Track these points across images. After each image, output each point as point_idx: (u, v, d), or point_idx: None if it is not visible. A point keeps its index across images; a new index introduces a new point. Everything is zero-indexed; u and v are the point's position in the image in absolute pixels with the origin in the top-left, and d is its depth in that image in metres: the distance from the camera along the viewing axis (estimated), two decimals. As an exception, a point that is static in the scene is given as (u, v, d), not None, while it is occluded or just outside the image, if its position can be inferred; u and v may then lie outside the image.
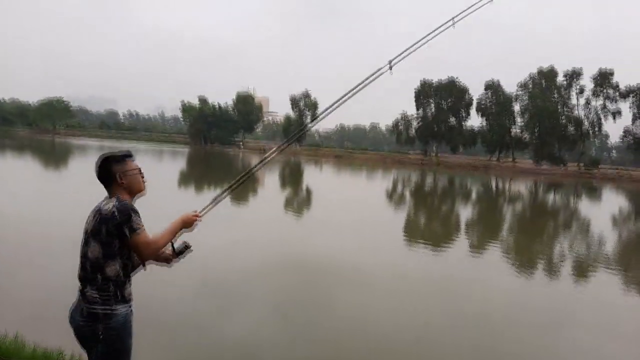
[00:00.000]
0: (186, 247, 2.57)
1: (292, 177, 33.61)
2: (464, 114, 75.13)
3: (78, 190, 16.98)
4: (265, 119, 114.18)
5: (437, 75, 77.17)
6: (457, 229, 15.19)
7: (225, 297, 6.63)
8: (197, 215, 2.57)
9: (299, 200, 20.09)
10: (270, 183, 26.67)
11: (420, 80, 75.78)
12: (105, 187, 2.45)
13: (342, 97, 3.12)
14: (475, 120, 76.69)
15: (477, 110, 72.96)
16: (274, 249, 9.79)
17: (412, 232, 14.16)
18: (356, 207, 18.36)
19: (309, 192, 24.12)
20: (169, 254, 2.58)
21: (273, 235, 11.28)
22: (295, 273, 8.17)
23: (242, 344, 5.23)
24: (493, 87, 71.49)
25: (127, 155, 2.50)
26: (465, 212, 20.58)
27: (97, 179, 2.45)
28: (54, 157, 38.49)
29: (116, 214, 2.27)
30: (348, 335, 5.67)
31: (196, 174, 31.81)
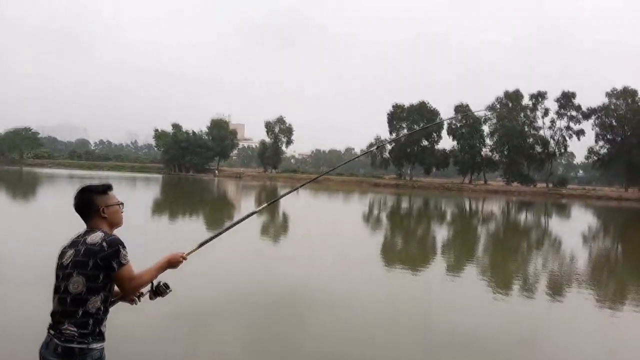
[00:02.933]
0: (166, 288, 2.57)
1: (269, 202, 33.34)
2: (436, 137, 76.98)
3: (36, 222, 16.40)
4: (240, 145, 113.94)
5: (408, 99, 78.91)
6: (434, 251, 15.28)
7: (196, 330, 6.41)
8: (183, 257, 2.62)
9: (275, 226, 19.90)
10: (246, 209, 26.39)
11: (393, 104, 77.54)
12: (84, 218, 2.45)
13: (344, 162, 3.72)
14: (447, 143, 78.75)
15: (448, 132, 74.98)
16: (245, 279, 9.60)
17: (390, 256, 14.15)
18: (333, 231, 18.29)
19: (285, 217, 23.95)
20: (139, 293, 2.58)
21: (244, 265, 11.07)
22: (268, 303, 7.98)
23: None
24: (463, 110, 73.73)
25: (109, 188, 2.53)
26: (441, 234, 20.77)
27: (75, 209, 2.44)
28: (21, 187, 37.18)
29: (105, 247, 2.28)
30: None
31: (169, 204, 31.24)
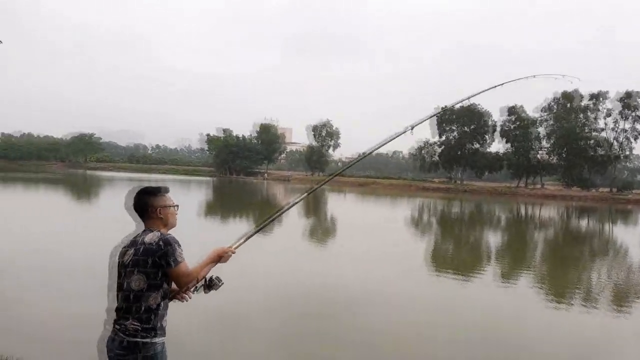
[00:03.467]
0: (219, 281, 2.65)
1: (316, 205, 33.59)
2: (487, 139, 74.41)
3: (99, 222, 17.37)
4: (288, 148, 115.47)
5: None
6: (486, 258, 14.74)
7: (233, 328, 6.50)
8: (232, 250, 2.70)
9: (322, 228, 19.97)
10: (293, 211, 26.69)
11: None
12: (142, 218, 2.55)
13: (370, 150, 3.78)
14: (499, 146, 75.85)
15: (501, 134, 72.15)
16: (290, 278, 9.67)
17: (438, 260, 13.79)
18: (380, 235, 18.09)
19: (332, 220, 23.99)
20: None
21: (290, 265, 11.16)
22: (314, 304, 7.99)
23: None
24: (516, 112, 70.80)
25: (165, 190, 2.64)
26: (494, 240, 20.01)
27: (134, 209, 2.55)
28: (86, 189, 39.64)
29: (162, 245, 2.39)
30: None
31: (222, 204, 32.13)
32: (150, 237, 2.42)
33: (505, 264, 13.92)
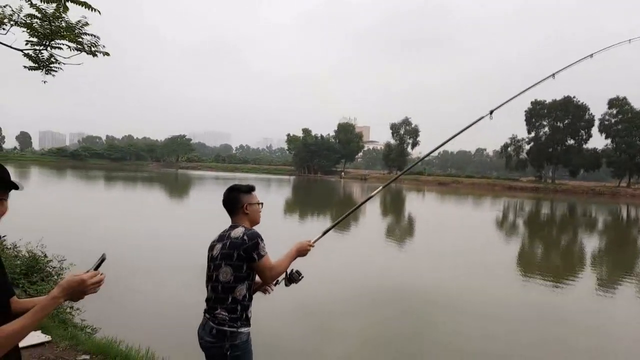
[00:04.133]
0: (299, 275, 2.77)
1: (394, 205, 33.22)
2: (584, 135, 68.14)
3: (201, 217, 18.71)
4: (365, 147, 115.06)
5: (549, 95, 70.74)
6: (581, 264, 13.64)
7: (321, 324, 6.68)
8: (310, 244, 2.79)
9: (401, 229, 19.72)
10: (373, 211, 26.63)
11: (532, 101, 70.68)
12: (230, 213, 2.73)
13: (448, 139, 3.53)
14: (597, 142, 69.13)
15: (600, 129, 65.59)
16: (373, 276, 9.70)
17: (526, 264, 13.02)
18: (464, 236, 17.47)
19: (411, 220, 23.55)
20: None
21: (372, 263, 11.19)
22: (395, 302, 7.98)
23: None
24: (619, 104, 64.03)
25: (252, 188, 2.79)
26: (591, 245, 18.41)
27: (223, 204, 2.73)
28: (182, 187, 42.82)
29: (246, 240, 2.52)
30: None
31: (303, 202, 32.96)
32: (236, 231, 2.57)
33: (603, 271, 12.79)
